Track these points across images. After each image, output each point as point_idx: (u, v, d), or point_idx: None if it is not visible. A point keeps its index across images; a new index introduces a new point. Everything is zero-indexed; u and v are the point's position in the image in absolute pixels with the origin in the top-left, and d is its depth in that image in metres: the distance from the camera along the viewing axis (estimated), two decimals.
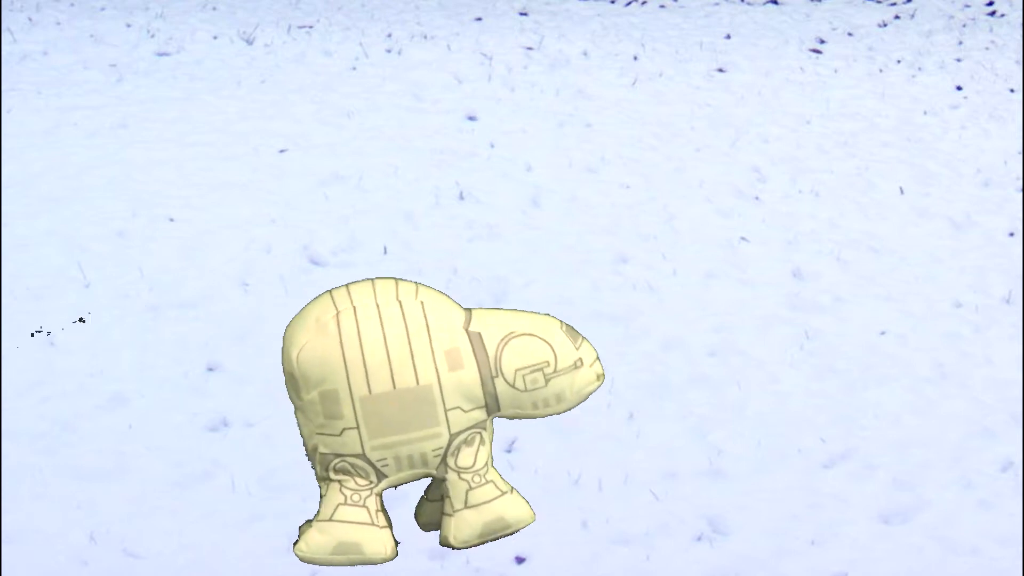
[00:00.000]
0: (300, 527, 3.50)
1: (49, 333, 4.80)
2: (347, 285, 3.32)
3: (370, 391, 3.23)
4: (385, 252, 5.59)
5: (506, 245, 5.72)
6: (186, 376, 4.61)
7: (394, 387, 3.24)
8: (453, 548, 3.41)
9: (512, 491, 3.41)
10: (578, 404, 3.43)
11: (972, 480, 4.18)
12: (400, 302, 3.28)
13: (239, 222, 5.82)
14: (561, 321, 3.39)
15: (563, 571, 3.67)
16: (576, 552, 3.73)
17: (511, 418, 3.41)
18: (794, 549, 3.81)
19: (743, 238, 5.87)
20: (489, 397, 3.32)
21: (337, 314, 3.25)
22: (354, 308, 3.26)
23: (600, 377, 3.41)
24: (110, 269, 5.35)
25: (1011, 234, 6.06)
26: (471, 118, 7.27)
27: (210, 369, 4.67)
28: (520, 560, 3.67)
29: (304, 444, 3.37)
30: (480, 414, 3.33)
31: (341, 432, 3.25)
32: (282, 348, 3.29)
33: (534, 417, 3.42)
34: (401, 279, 3.35)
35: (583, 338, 3.39)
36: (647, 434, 4.35)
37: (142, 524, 3.81)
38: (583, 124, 7.23)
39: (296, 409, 3.35)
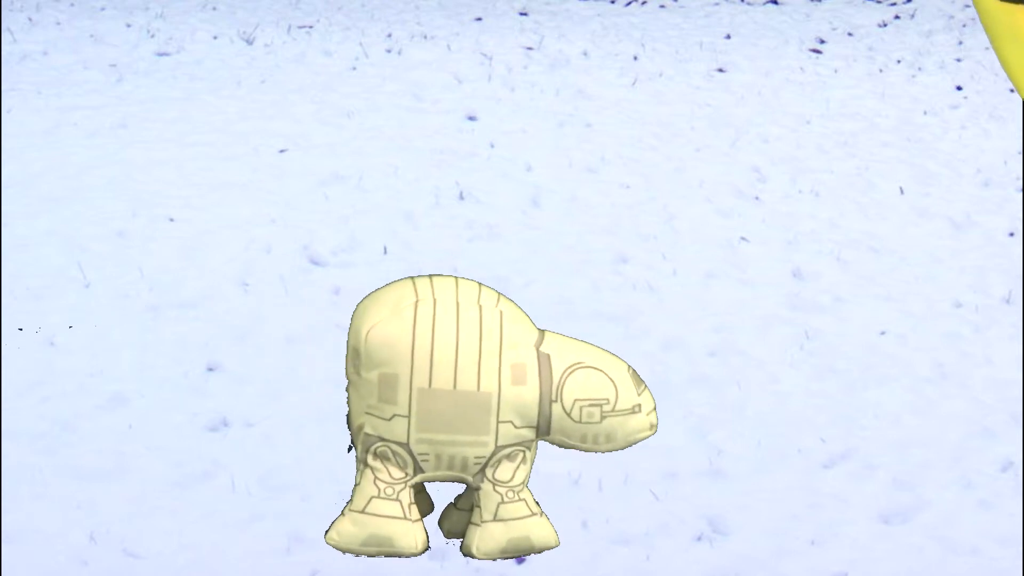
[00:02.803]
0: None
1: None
2: (431, 276, 3.32)
3: (430, 385, 3.23)
4: (385, 252, 5.59)
5: (506, 245, 5.72)
6: (186, 376, 4.61)
7: (454, 387, 3.24)
8: (474, 557, 3.41)
9: (542, 514, 3.42)
10: (624, 448, 3.43)
11: (972, 480, 4.18)
12: (480, 306, 3.28)
13: (239, 222, 5.81)
14: (629, 365, 3.38)
15: (563, 571, 3.67)
16: (576, 552, 3.73)
17: (555, 444, 3.41)
18: (794, 549, 3.81)
19: (743, 238, 5.87)
20: (543, 419, 3.32)
21: (416, 302, 3.25)
22: (434, 300, 3.26)
23: (653, 428, 3.41)
24: (110, 269, 5.35)
25: (1011, 234, 6.06)
26: (471, 118, 7.27)
27: (210, 369, 4.67)
28: (520, 560, 3.67)
29: (349, 420, 3.37)
30: (529, 433, 3.33)
31: (391, 417, 3.26)
32: (351, 322, 3.29)
33: (577, 449, 3.41)
34: (484, 284, 3.34)
35: (645, 386, 3.39)
36: None
37: (142, 524, 3.81)
38: (583, 124, 7.22)
39: (349, 384, 3.34)
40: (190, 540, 3.75)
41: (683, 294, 5.34)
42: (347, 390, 3.38)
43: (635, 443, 3.42)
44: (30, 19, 8.82)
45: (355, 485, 3.37)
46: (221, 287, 5.24)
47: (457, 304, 3.27)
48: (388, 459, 3.30)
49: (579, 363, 3.33)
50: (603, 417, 3.34)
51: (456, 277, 3.34)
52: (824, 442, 4.35)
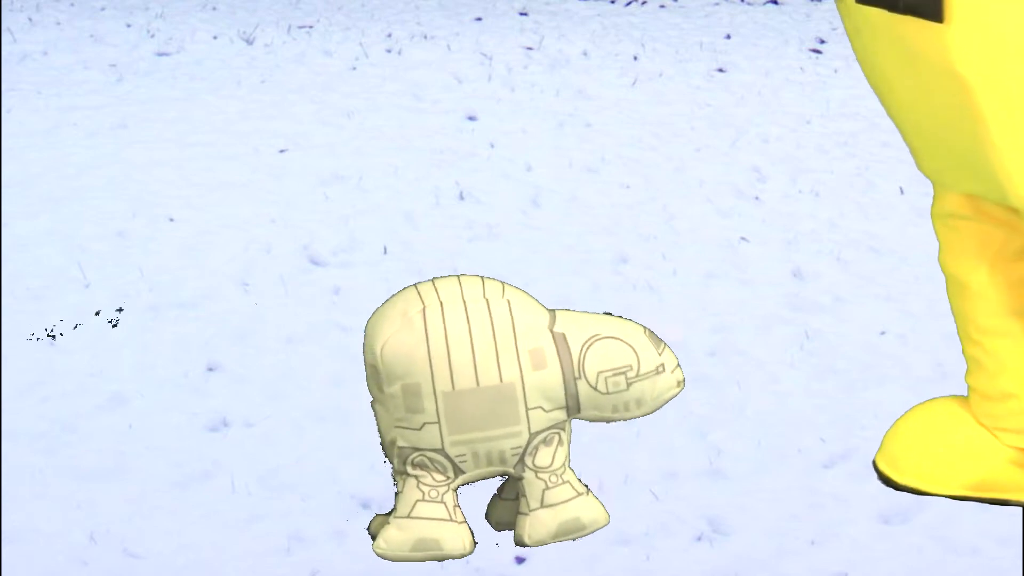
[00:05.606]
0: (371, 521, 3.50)
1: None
2: (433, 280, 3.34)
3: (453, 387, 3.25)
4: (385, 252, 5.59)
5: (506, 245, 5.72)
6: (186, 376, 4.61)
7: (478, 384, 3.26)
8: (528, 547, 3.43)
9: (588, 492, 3.43)
10: (656, 409, 3.44)
11: None
12: (487, 300, 3.30)
13: (239, 222, 5.82)
14: (644, 327, 3.39)
15: (563, 571, 3.67)
16: (576, 552, 3.73)
17: (590, 420, 3.42)
18: (794, 549, 3.81)
19: (743, 238, 5.87)
20: (570, 398, 3.34)
21: (424, 309, 3.27)
22: (441, 304, 3.28)
23: (680, 384, 3.42)
24: (110, 269, 5.35)
25: None
26: (471, 118, 7.27)
27: (210, 369, 4.67)
28: (520, 560, 3.67)
29: (381, 437, 3.38)
30: (560, 414, 3.34)
31: (421, 426, 3.27)
32: (364, 340, 3.30)
33: (612, 421, 3.43)
34: (487, 277, 3.36)
35: (665, 344, 3.40)
36: (647, 434, 4.34)
37: (142, 524, 3.81)
38: (583, 124, 7.23)
39: (374, 402, 3.36)
40: (190, 540, 3.75)
41: (683, 294, 5.34)
42: (372, 407, 3.38)
43: (665, 402, 3.43)
44: (30, 19, 8.83)
45: (396, 494, 3.37)
46: (221, 287, 5.24)
47: (464, 302, 3.29)
48: (427, 467, 3.31)
49: (595, 335, 3.35)
50: (629, 384, 3.36)
51: (458, 276, 3.35)
52: (824, 442, 4.35)
